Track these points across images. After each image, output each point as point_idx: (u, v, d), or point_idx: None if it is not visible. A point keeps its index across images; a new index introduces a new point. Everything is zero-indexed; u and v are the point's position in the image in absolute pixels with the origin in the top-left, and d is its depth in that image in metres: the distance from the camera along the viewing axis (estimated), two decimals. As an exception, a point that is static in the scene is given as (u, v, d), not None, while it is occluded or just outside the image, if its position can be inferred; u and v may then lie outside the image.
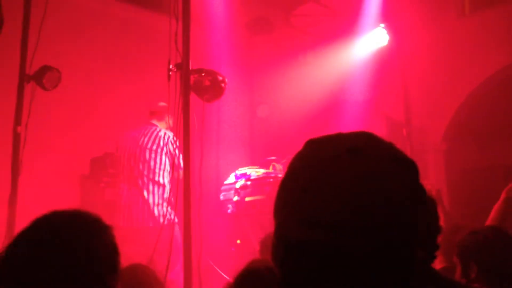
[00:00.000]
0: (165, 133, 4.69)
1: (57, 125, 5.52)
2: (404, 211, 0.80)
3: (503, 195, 3.16)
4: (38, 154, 4.74)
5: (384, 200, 0.79)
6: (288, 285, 0.83)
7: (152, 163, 4.58)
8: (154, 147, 4.61)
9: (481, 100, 6.70)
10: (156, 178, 4.53)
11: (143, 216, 4.48)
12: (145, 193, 4.51)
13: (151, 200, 4.50)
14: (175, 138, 4.63)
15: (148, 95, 5.76)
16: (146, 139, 4.65)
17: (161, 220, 4.30)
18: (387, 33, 6.12)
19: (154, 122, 4.87)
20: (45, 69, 4.20)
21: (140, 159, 4.59)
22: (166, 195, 4.46)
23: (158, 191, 4.55)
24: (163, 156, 4.59)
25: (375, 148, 0.85)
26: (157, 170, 4.57)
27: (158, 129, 4.73)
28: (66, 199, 5.38)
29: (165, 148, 4.59)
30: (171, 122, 4.72)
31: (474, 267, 2.29)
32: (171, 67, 3.61)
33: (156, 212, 4.44)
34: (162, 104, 4.87)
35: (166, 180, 4.57)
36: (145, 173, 4.56)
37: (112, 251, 1.37)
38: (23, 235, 1.34)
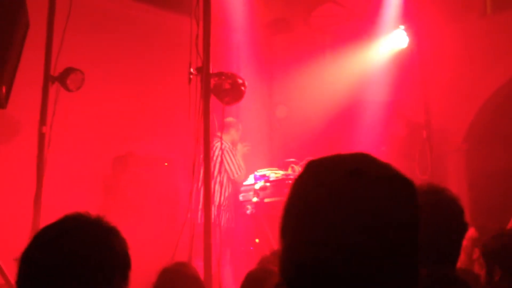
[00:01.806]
0: (216, 146, 5.13)
1: (80, 125, 5.62)
2: (409, 231, 0.85)
3: None
4: (62, 154, 4.83)
5: (390, 221, 0.83)
6: None
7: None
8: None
9: (503, 101, 6.63)
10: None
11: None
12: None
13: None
14: (227, 148, 5.22)
15: (170, 96, 5.83)
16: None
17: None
18: (407, 34, 6.10)
19: (219, 134, 5.29)
20: (69, 71, 4.28)
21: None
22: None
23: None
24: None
25: (375, 169, 0.88)
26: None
27: (215, 142, 5.17)
28: (89, 198, 5.47)
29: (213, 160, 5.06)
30: (236, 135, 5.46)
31: (498, 270, 2.30)
32: (191, 70, 3.66)
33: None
34: (228, 119, 5.42)
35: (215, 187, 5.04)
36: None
37: (123, 261, 1.40)
38: (38, 240, 1.38)
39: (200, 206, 4.58)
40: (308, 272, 0.83)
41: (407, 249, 0.85)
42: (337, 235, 0.82)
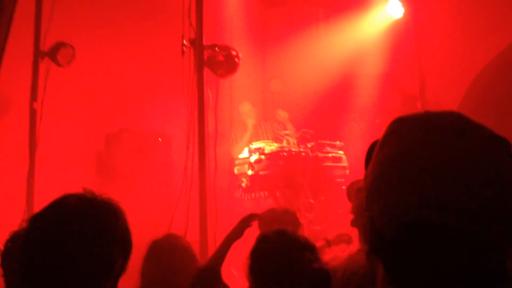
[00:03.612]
0: None
1: (72, 101, 5.56)
2: None
3: None
4: (54, 130, 4.79)
5: (503, 183, 0.81)
6: (398, 267, 0.83)
7: None
8: None
9: (497, 71, 6.60)
10: None
11: None
12: None
13: None
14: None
15: (163, 70, 5.76)
16: None
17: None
18: (402, 5, 6.04)
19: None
20: (59, 46, 4.22)
21: None
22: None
23: None
24: None
25: (478, 129, 0.86)
26: None
27: None
28: (82, 175, 5.45)
29: None
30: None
31: None
32: (185, 42, 3.60)
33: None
34: None
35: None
36: None
37: (125, 240, 1.38)
38: (38, 222, 1.35)
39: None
40: (414, 234, 0.80)
41: None
42: (453, 196, 0.78)
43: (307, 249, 1.86)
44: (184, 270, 2.63)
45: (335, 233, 3.44)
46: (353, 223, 2.33)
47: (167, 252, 2.68)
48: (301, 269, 1.79)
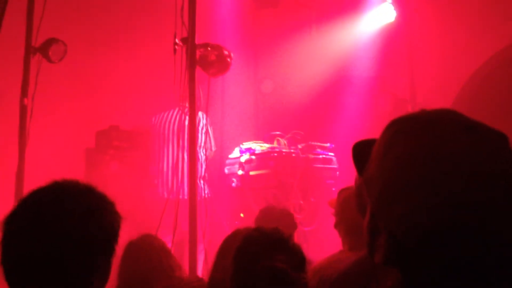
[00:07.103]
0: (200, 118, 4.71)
1: (63, 97, 5.54)
2: None
3: None
4: (44, 127, 4.76)
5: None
6: (423, 273, 0.79)
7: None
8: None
9: (488, 76, 6.65)
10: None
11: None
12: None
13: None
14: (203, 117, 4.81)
15: (154, 68, 5.76)
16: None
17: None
18: (394, 8, 6.07)
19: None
20: (51, 42, 4.20)
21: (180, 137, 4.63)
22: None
23: None
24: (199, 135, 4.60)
25: (478, 123, 0.85)
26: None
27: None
28: (72, 172, 5.41)
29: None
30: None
31: None
32: (177, 41, 3.60)
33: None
34: None
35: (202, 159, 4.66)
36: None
37: (112, 232, 1.37)
38: (26, 203, 1.34)
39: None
40: (441, 236, 0.76)
41: None
42: (474, 195, 0.75)
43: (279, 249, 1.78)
44: (161, 268, 2.64)
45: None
46: (336, 225, 2.33)
47: (144, 252, 2.68)
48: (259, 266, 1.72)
